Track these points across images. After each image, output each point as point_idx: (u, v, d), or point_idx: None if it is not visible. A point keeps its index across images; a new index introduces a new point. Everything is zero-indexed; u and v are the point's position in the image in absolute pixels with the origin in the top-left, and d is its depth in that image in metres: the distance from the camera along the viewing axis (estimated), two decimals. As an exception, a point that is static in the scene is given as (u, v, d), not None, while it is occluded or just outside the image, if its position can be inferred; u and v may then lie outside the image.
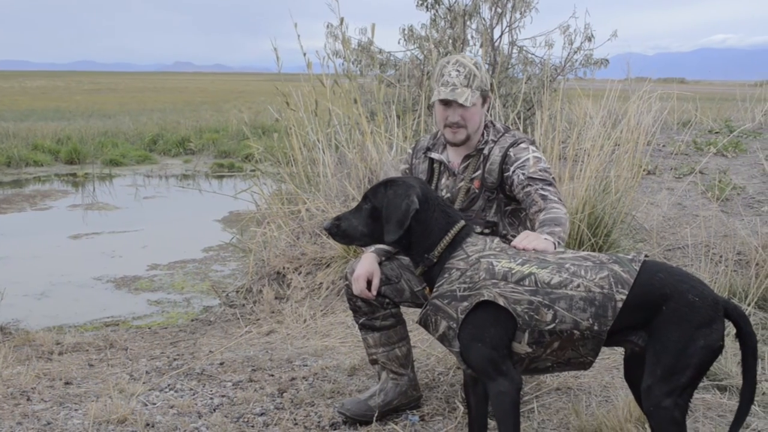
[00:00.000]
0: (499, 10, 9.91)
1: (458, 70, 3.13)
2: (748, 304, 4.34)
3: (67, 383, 4.07)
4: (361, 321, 3.43)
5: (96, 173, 14.45)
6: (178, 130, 18.90)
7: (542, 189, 3.03)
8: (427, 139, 3.48)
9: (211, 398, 3.74)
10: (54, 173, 14.47)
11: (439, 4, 9.96)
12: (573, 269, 2.49)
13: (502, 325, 2.51)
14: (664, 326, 2.43)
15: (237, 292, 6.17)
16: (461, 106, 3.12)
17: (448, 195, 3.31)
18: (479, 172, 3.25)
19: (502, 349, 2.53)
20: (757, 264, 4.91)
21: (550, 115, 6.03)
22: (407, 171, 3.47)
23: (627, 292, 2.42)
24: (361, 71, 9.50)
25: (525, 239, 2.70)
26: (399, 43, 10.18)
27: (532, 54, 10.37)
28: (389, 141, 6.55)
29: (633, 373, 2.71)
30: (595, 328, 2.44)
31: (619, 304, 2.42)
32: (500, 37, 10.01)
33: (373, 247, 3.30)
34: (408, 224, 2.66)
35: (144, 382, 3.98)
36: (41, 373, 4.23)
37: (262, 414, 3.52)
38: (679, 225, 6.31)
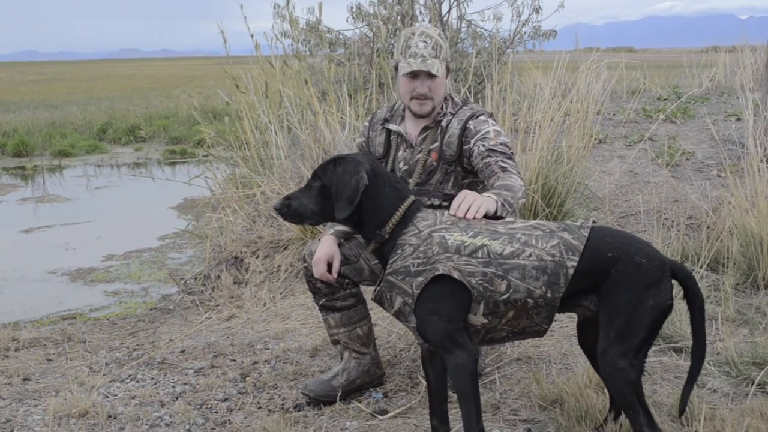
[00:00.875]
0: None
1: (425, 41, 3.10)
2: (700, 267, 4.43)
3: (25, 379, 4.02)
4: (321, 302, 3.42)
5: (45, 165, 14.19)
6: (128, 118, 18.61)
7: (502, 161, 3.04)
8: (384, 111, 3.46)
9: (173, 386, 3.73)
10: (1, 167, 14.18)
11: (386, -19, 9.92)
12: (524, 239, 2.50)
13: (458, 298, 2.52)
14: (613, 289, 2.47)
15: (195, 278, 6.13)
16: (430, 77, 3.12)
17: (406, 167, 3.31)
18: (437, 144, 3.25)
19: (458, 321, 2.54)
20: (708, 227, 5.01)
21: (500, 89, 6.06)
22: (363, 144, 3.45)
23: (577, 259, 2.46)
24: (311, 51, 9.43)
25: (464, 199, 2.68)
26: (347, 21, 10.12)
27: (481, 28, 10.37)
28: (341, 120, 6.53)
29: (587, 339, 2.76)
30: (548, 295, 2.47)
31: (571, 271, 2.45)
32: (448, 11, 10.00)
33: (331, 230, 3.30)
34: (358, 201, 2.65)
35: (104, 374, 3.96)
36: (-2, 371, 4.17)
37: (225, 399, 3.52)
38: (631, 192, 6.41)
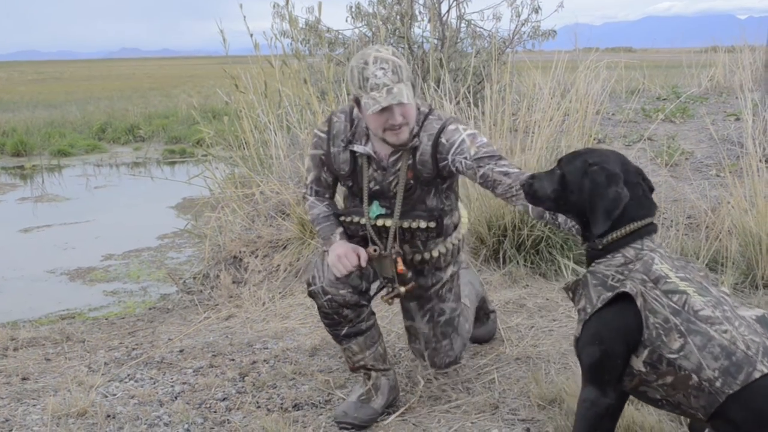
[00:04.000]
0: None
1: (383, 68, 2.79)
2: (699, 267, 4.42)
3: (24, 379, 4.01)
4: (344, 332, 3.17)
5: (44, 165, 14.17)
6: (127, 118, 18.61)
7: (496, 166, 2.83)
8: (342, 123, 3.09)
9: (172, 386, 3.73)
10: (0, 166, 14.17)
11: (385, -20, 9.91)
12: (729, 314, 2.21)
13: (627, 332, 2.28)
14: None
15: (194, 278, 6.13)
16: (401, 104, 2.82)
17: (377, 187, 3.07)
18: (410, 162, 3.01)
19: (614, 359, 2.31)
20: (707, 227, 5.01)
21: (499, 88, 6.05)
22: (323, 157, 3.13)
23: None
24: (310, 51, 9.42)
25: None
26: (347, 21, 10.11)
27: (481, 27, 10.35)
28: (341, 120, 6.52)
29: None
30: (717, 384, 2.13)
31: (756, 374, 2.09)
32: (448, 11, 9.99)
33: (337, 235, 3.13)
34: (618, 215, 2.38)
35: (103, 374, 3.95)
36: (-3, 370, 4.17)
37: (224, 399, 3.52)
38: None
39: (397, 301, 3.22)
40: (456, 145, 2.91)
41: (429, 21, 9.37)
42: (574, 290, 2.52)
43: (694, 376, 2.16)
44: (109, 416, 3.38)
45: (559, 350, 3.79)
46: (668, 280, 2.26)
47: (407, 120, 2.88)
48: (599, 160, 2.45)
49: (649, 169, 6.67)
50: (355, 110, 3.05)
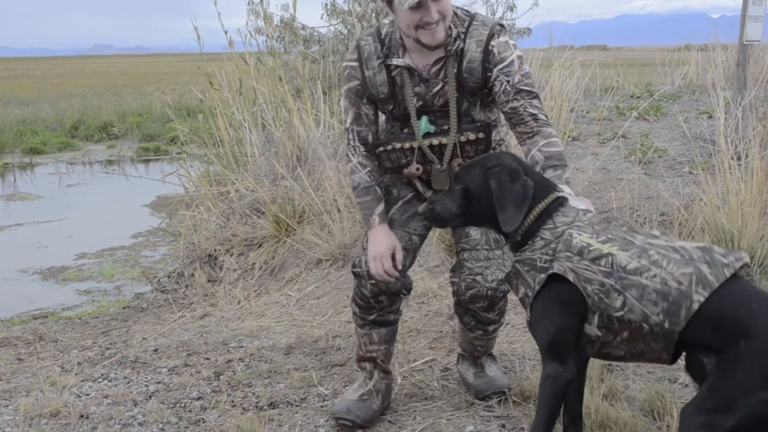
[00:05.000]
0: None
1: None
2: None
3: (-5, 379, 3.99)
4: (372, 318, 3.10)
5: (16, 163, 14.05)
6: (101, 115, 18.47)
7: (530, 106, 2.78)
8: (370, 44, 2.92)
9: (147, 385, 3.71)
10: (-29, 165, 14.04)
11: (361, -23, 9.92)
12: (656, 258, 2.28)
13: (571, 305, 2.36)
14: (733, 364, 2.16)
15: (168, 277, 6.11)
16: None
17: (421, 103, 2.91)
18: (455, 71, 2.86)
19: (568, 331, 2.39)
20: (680, 224, 5.06)
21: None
22: (359, 88, 2.95)
23: (706, 295, 2.18)
24: (285, 48, 9.39)
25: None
26: (322, 18, 10.09)
27: (456, 25, 10.38)
28: (316, 118, 6.53)
29: (692, 370, 2.51)
30: (665, 325, 2.22)
31: (695, 306, 2.18)
32: (424, 9, 10.02)
33: (376, 217, 2.97)
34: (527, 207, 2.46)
35: (76, 374, 3.93)
36: (-32, 371, 4.13)
37: (199, 398, 3.50)
38: (604, 189, 6.44)
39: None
40: (505, 63, 2.79)
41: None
42: (510, 282, 2.58)
43: (645, 325, 2.25)
44: (82, 416, 3.36)
45: (533, 347, 3.80)
46: (591, 249, 2.33)
47: (444, 15, 2.71)
48: (496, 162, 2.52)
49: (623, 167, 6.73)
50: (386, 27, 2.92)
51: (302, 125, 6.07)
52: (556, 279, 2.37)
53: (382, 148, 2.99)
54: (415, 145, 2.93)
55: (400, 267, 2.93)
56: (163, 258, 7.15)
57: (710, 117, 8.10)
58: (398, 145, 2.95)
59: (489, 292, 2.99)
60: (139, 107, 19.80)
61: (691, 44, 13.30)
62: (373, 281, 2.97)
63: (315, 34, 9.93)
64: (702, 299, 2.17)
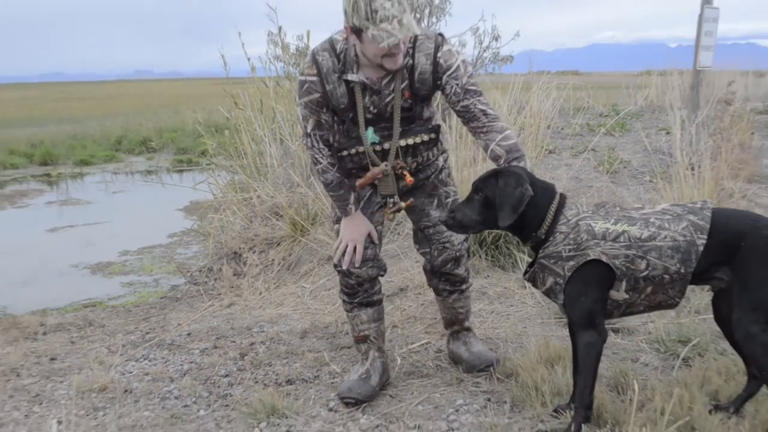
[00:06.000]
0: (418, 16, 9.86)
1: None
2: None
3: (52, 359, 4.00)
4: (357, 300, 3.13)
5: (68, 173, 14.07)
6: (141, 132, 18.49)
7: (479, 103, 2.79)
8: (327, 60, 2.78)
9: (181, 365, 3.72)
10: (30, 174, 14.04)
11: (365, 13, 9.89)
12: (658, 223, 2.47)
13: (603, 280, 2.48)
14: (744, 261, 2.40)
15: (200, 271, 6.11)
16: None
17: (375, 110, 2.84)
18: (406, 82, 2.80)
19: (600, 302, 2.51)
20: (641, 225, 5.04)
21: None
22: (320, 99, 2.82)
23: (706, 237, 2.41)
24: (300, 73, 9.40)
25: None
26: (332, 47, 10.11)
27: (448, 53, 10.35)
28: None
29: (721, 313, 2.66)
30: (682, 270, 2.43)
31: (701, 248, 2.41)
32: (420, 39, 10.01)
33: (351, 205, 2.95)
34: (522, 210, 2.53)
35: (121, 354, 3.94)
36: (28, 352, 4.14)
37: (226, 375, 3.51)
38: (576, 195, 6.45)
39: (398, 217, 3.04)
40: (453, 69, 2.77)
41: (403, 48, 9.36)
42: (533, 280, 2.65)
43: (666, 276, 2.45)
44: (126, 391, 3.37)
45: (515, 332, 3.81)
46: (609, 231, 2.47)
47: (405, 46, 2.68)
48: (507, 171, 2.58)
49: (593, 176, 6.73)
50: (339, 44, 2.77)
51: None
52: (586, 263, 2.48)
53: (345, 152, 2.94)
54: (362, 150, 2.92)
55: (377, 242, 3.04)
56: (194, 255, 7.16)
57: (668, 133, 8.11)
58: (358, 149, 2.92)
59: (457, 254, 3.15)
60: (173, 124, 19.81)
61: (651, 70, 13.31)
62: (354, 275, 3.02)
63: (326, 61, 9.93)
64: (704, 241, 2.41)
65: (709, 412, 2.68)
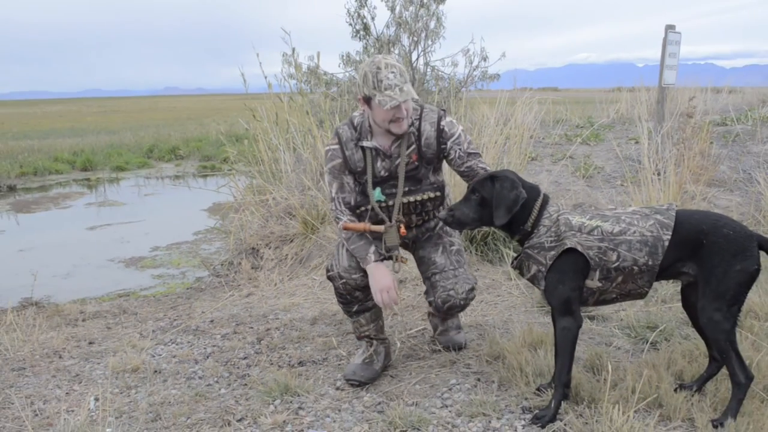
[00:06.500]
0: (416, 39, 9.85)
1: (393, 72, 2.68)
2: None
3: (90, 343, 3.98)
4: (354, 309, 3.08)
5: (106, 177, 14.07)
6: (170, 141, 18.51)
7: (480, 163, 2.88)
8: (346, 131, 2.93)
9: (205, 348, 3.71)
10: (72, 179, 14.03)
11: (368, 35, 9.88)
12: (628, 220, 2.48)
13: (579, 268, 2.48)
14: (707, 257, 2.40)
15: (222, 265, 6.10)
16: (406, 100, 2.72)
17: (387, 173, 2.92)
18: (413, 147, 2.90)
19: (576, 290, 2.50)
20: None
21: (456, 118, 6.05)
22: (342, 165, 2.93)
23: (671, 234, 2.42)
24: (311, 89, 9.37)
25: None
26: (339, 66, 10.07)
27: (442, 71, 10.35)
28: (335, 143, 6.47)
29: (688, 302, 2.66)
30: (650, 263, 2.43)
31: (666, 243, 2.41)
32: (417, 59, 9.98)
33: (371, 255, 2.87)
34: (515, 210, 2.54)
35: (151, 339, 3.93)
36: (69, 336, 4.13)
37: (245, 358, 3.50)
38: (555, 197, 6.43)
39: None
40: (456, 137, 2.89)
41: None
42: (519, 267, 2.64)
43: (635, 267, 2.45)
44: (156, 371, 3.36)
45: (502, 319, 3.80)
46: (584, 224, 2.49)
47: (408, 113, 2.80)
48: (503, 176, 2.58)
49: (570, 180, 6.71)
50: (356, 118, 2.93)
51: (324, 148, 6.05)
52: (564, 253, 2.48)
53: (363, 208, 2.98)
54: (369, 206, 2.96)
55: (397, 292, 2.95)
56: (217, 250, 7.15)
57: (637, 142, 8.08)
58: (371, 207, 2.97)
59: (462, 302, 3.03)
60: (199, 135, 19.82)
61: (622, 87, 13.28)
62: (343, 281, 2.97)
63: (334, 78, 9.93)
64: (669, 236, 2.42)
65: (675, 390, 2.68)
